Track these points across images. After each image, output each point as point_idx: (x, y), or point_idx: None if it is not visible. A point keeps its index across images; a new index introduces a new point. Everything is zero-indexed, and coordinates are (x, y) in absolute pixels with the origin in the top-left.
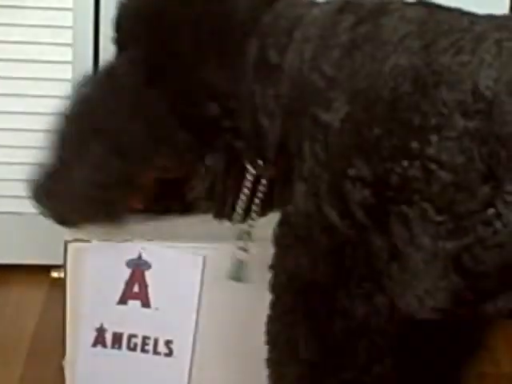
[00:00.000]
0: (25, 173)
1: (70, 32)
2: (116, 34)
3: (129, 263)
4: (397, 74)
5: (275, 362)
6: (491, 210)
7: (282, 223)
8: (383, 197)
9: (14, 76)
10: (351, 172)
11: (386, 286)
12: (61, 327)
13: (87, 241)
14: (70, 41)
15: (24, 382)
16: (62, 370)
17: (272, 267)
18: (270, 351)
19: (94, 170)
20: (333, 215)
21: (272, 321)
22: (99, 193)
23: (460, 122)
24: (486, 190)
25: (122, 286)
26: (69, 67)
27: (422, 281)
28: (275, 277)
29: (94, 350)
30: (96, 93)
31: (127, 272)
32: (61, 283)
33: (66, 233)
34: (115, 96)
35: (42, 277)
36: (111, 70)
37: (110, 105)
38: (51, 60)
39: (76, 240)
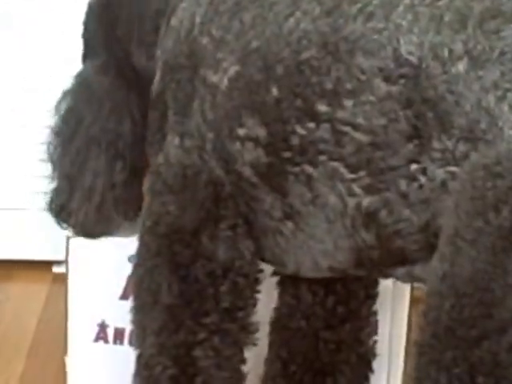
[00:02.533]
0: (26, 169)
1: None
2: (84, 43)
3: (131, 258)
4: (299, 37)
5: (139, 310)
6: (415, 166)
7: (152, 171)
8: (280, 157)
9: None
10: (241, 132)
11: (255, 230)
12: (63, 323)
13: None
14: None
15: (26, 377)
16: (63, 365)
17: (142, 214)
18: (135, 299)
19: (100, 177)
20: (218, 171)
21: (136, 267)
22: (112, 196)
23: (382, 87)
24: (409, 147)
25: (123, 282)
26: None
27: (321, 241)
28: (142, 222)
29: (95, 345)
30: (78, 105)
31: (129, 267)
32: (63, 279)
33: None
34: (96, 104)
35: (44, 272)
36: (85, 80)
37: (95, 113)
38: None
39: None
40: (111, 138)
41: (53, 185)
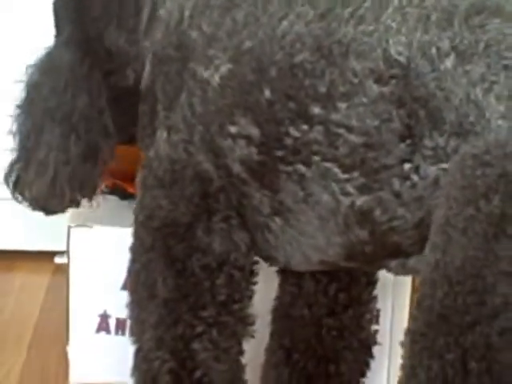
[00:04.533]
0: None
1: None
2: (54, 19)
3: None
4: (292, 40)
5: (136, 305)
6: (407, 165)
7: (143, 166)
8: (272, 156)
9: None
10: (233, 129)
11: (247, 223)
12: (64, 313)
13: (90, 226)
14: None
15: (27, 367)
16: (65, 355)
17: (134, 208)
18: (131, 294)
19: (54, 151)
20: (206, 165)
21: (131, 262)
22: (65, 171)
23: (374, 89)
24: (402, 147)
25: (125, 272)
26: None
27: (313, 237)
28: (135, 217)
29: (97, 335)
30: (39, 77)
31: None
32: (64, 269)
33: (69, 219)
34: (55, 77)
35: (46, 263)
36: (49, 54)
37: (53, 86)
38: None
39: (79, 226)
40: (66, 112)
41: (11, 158)
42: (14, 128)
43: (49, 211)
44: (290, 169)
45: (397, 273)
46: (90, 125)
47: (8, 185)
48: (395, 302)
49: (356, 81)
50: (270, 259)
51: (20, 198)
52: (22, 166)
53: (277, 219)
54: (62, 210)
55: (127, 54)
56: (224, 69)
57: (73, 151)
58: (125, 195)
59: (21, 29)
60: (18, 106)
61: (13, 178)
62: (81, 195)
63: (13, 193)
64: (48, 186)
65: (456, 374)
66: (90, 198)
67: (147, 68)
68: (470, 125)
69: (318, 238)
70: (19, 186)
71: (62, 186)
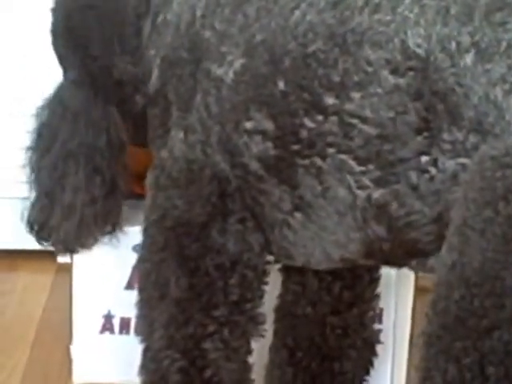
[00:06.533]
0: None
1: None
2: (57, 58)
3: (135, 248)
4: (305, 30)
5: (145, 304)
6: (425, 158)
7: (155, 167)
8: (289, 150)
9: None
10: (248, 125)
11: (262, 223)
12: (68, 313)
13: None
14: None
15: (30, 366)
16: (68, 355)
17: (145, 208)
18: (141, 293)
19: (80, 193)
20: (223, 165)
21: (142, 261)
22: (91, 211)
23: (389, 80)
24: (419, 139)
25: (128, 271)
26: None
27: (333, 232)
28: (147, 216)
29: (101, 336)
30: (54, 120)
31: (134, 257)
32: (67, 268)
33: None
34: (72, 119)
35: (49, 262)
36: (60, 95)
37: (71, 129)
38: None
39: None
40: (89, 153)
41: (31, 202)
42: (30, 173)
43: (75, 251)
44: (306, 162)
45: (417, 270)
46: (111, 163)
47: (32, 230)
48: (398, 301)
49: (370, 70)
50: (287, 258)
51: (45, 242)
52: (46, 211)
53: (298, 215)
54: (88, 249)
55: (135, 77)
56: (237, 64)
57: (98, 192)
58: (130, 195)
59: (21, 29)
60: (31, 150)
61: (37, 223)
62: (105, 232)
63: (37, 236)
64: (75, 227)
65: (474, 378)
66: (114, 233)
67: (155, 73)
68: (489, 125)
69: (338, 234)
70: (45, 230)
71: (88, 226)
